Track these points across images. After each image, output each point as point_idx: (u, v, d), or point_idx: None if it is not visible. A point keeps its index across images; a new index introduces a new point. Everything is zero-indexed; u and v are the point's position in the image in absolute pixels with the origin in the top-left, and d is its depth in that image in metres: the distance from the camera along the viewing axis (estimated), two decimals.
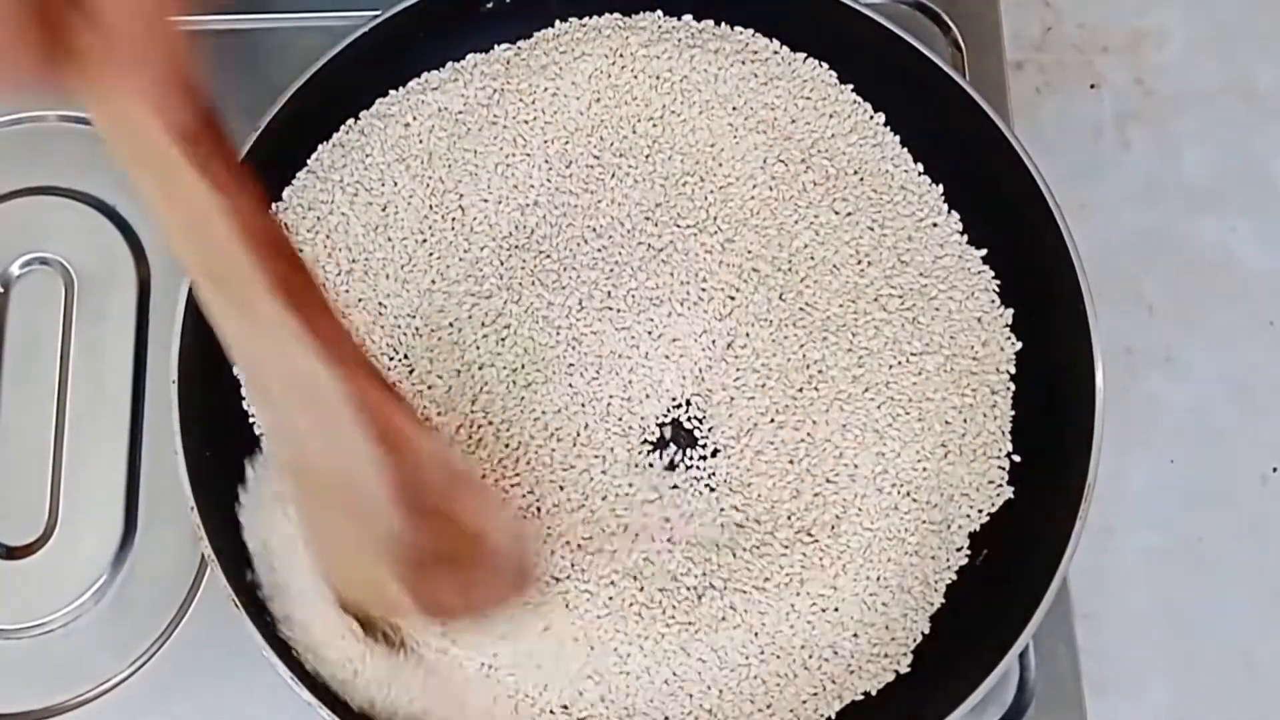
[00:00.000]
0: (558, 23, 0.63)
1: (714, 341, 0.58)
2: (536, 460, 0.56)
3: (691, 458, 0.57)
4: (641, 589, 0.54)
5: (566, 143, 0.62)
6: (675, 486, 0.56)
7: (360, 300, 0.59)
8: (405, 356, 0.58)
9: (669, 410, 0.58)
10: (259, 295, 0.42)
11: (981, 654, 0.52)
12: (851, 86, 0.63)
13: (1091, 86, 0.69)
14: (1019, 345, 0.59)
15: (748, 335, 0.58)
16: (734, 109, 0.61)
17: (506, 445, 0.57)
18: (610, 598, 0.54)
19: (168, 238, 0.43)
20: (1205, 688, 0.59)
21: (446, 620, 0.51)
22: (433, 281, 0.59)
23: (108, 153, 0.41)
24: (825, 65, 0.63)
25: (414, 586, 0.46)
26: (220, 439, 0.57)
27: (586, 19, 0.63)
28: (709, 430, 0.57)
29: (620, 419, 0.57)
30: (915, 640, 0.55)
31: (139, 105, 0.40)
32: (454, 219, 0.60)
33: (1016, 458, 0.58)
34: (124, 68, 0.39)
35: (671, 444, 0.57)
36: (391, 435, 0.43)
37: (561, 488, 0.56)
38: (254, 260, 0.41)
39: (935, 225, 0.61)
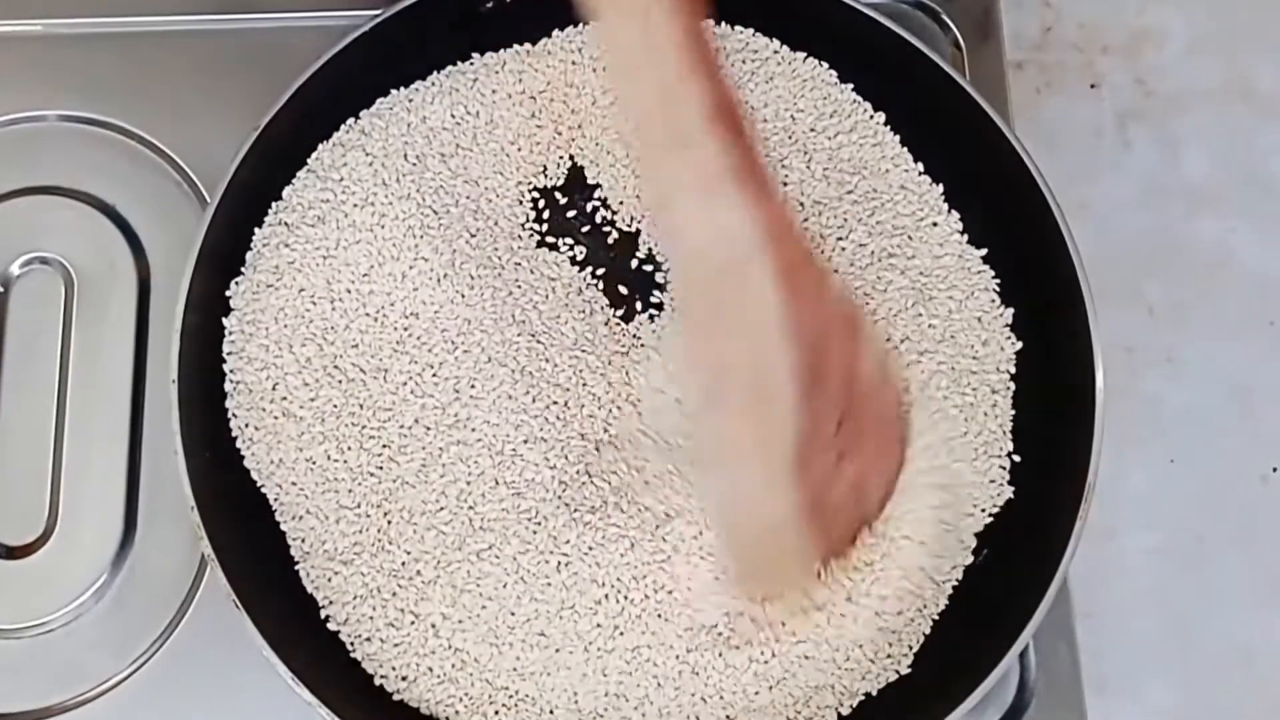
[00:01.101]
0: (561, 26, 0.63)
1: None
2: None
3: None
4: (646, 596, 0.55)
5: (568, 140, 0.62)
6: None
7: (364, 297, 0.59)
8: (410, 350, 0.58)
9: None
10: (708, 160, 0.46)
11: (981, 654, 0.52)
12: (852, 86, 0.63)
13: (1091, 86, 0.69)
14: (1019, 345, 0.59)
15: None
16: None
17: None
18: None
19: (626, 83, 0.48)
20: (1205, 688, 0.59)
21: (833, 540, 0.52)
22: (437, 279, 0.59)
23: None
24: (825, 65, 0.63)
25: (814, 507, 0.49)
26: (220, 439, 0.57)
27: (588, 20, 0.63)
28: None
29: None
30: (918, 641, 0.55)
31: None
32: (454, 218, 0.60)
33: (1016, 458, 0.58)
34: None
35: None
36: (794, 275, 0.46)
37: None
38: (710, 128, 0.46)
39: (935, 225, 0.61)
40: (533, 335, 0.58)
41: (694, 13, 0.46)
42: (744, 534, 0.51)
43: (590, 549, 0.55)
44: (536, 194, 0.61)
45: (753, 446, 0.49)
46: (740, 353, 0.48)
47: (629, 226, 0.61)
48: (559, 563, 0.55)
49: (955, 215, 0.61)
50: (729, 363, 0.48)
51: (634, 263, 0.61)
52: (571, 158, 0.62)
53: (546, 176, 0.62)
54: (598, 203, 0.61)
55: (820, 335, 0.48)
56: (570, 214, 0.61)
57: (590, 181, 0.62)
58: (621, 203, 0.61)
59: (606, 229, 0.61)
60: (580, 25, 0.63)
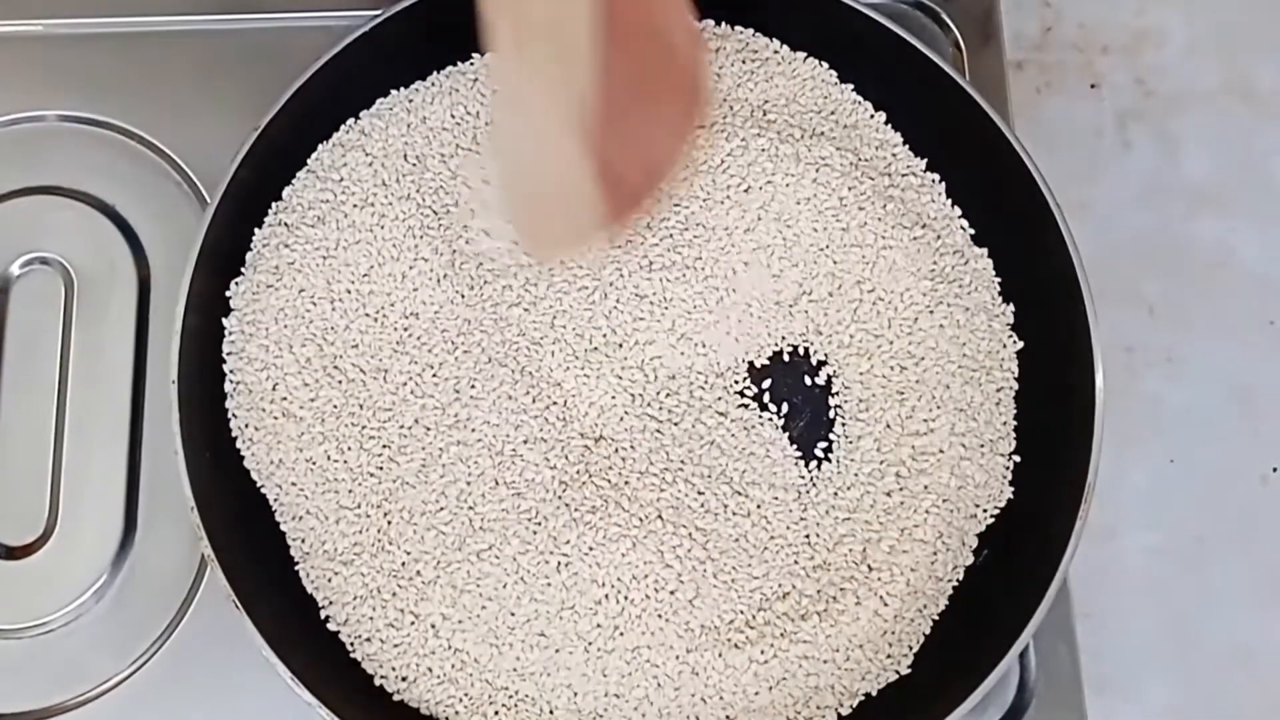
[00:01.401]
0: None
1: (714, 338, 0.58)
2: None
3: None
4: (647, 596, 0.55)
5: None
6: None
7: (364, 297, 0.59)
8: (410, 350, 0.58)
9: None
10: None
11: (981, 654, 0.52)
12: (852, 86, 0.63)
13: (1091, 86, 0.69)
14: (1020, 345, 0.59)
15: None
16: (732, 108, 0.61)
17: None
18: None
19: None
20: (1205, 687, 0.59)
21: (627, 199, 0.51)
22: (437, 279, 0.59)
23: None
24: (825, 65, 0.63)
25: (604, 161, 0.48)
26: (220, 439, 0.57)
27: None
28: None
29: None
30: (918, 641, 0.55)
31: None
32: (454, 218, 0.60)
33: (1017, 458, 0.58)
34: None
35: None
36: None
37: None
38: None
39: (937, 224, 0.60)
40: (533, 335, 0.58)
41: None
42: (533, 185, 0.51)
43: (590, 549, 0.55)
44: None
45: (547, 98, 0.48)
46: (539, 4, 0.48)
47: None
48: (559, 563, 0.55)
49: (958, 212, 0.61)
50: (528, 12, 0.48)
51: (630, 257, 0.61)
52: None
53: None
54: None
55: None
56: None
57: None
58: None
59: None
60: None
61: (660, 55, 0.50)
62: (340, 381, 0.58)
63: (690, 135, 0.53)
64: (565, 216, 0.51)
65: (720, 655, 0.54)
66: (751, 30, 0.63)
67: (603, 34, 0.47)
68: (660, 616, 0.54)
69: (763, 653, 0.54)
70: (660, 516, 0.56)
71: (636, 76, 0.48)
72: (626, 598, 0.54)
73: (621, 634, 0.54)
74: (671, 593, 0.55)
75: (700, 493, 0.56)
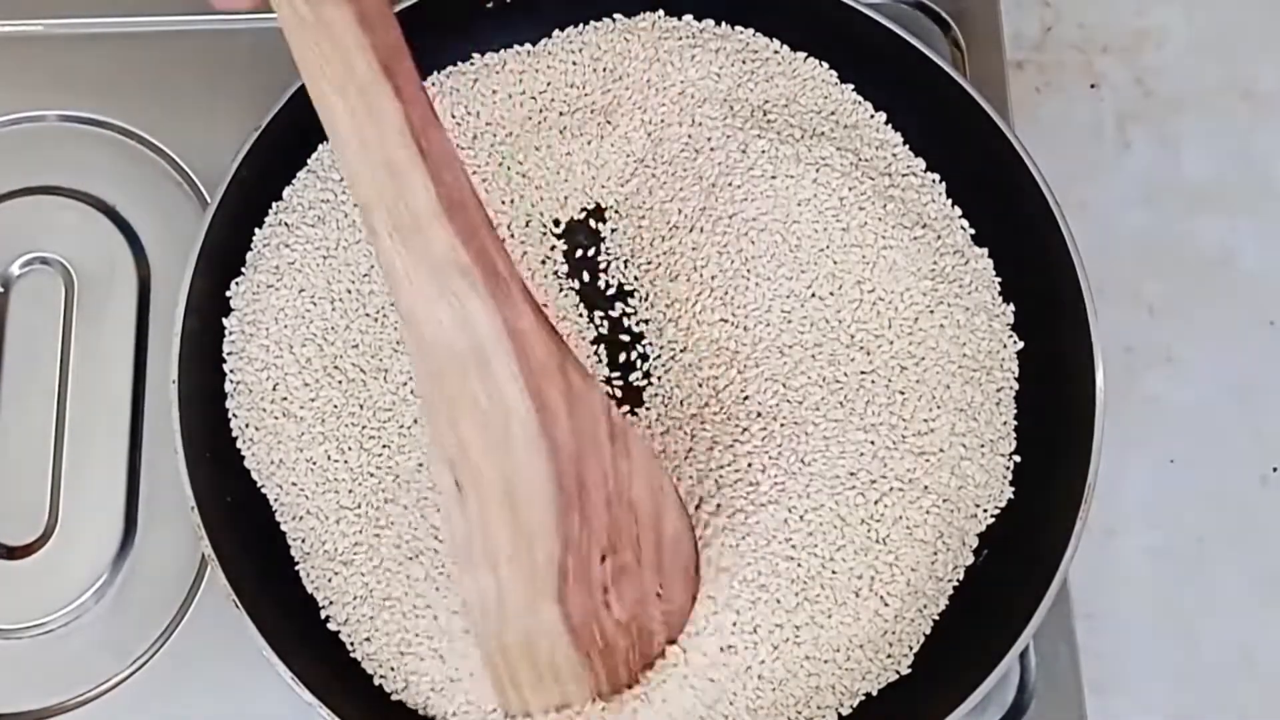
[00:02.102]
0: (571, 26, 0.63)
1: (713, 337, 0.58)
2: None
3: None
4: None
5: (570, 138, 0.62)
6: None
7: (364, 297, 0.59)
8: (400, 344, 0.58)
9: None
10: (441, 252, 0.44)
11: (981, 654, 0.52)
12: (852, 86, 0.63)
13: (1091, 86, 0.69)
14: (1020, 345, 0.59)
15: (740, 333, 0.58)
16: (733, 109, 0.61)
17: None
18: None
19: (346, 163, 0.44)
20: (1205, 688, 0.59)
21: (616, 685, 0.49)
22: None
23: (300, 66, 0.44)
24: (825, 65, 0.63)
25: (582, 631, 0.46)
26: (220, 439, 0.57)
27: (588, 21, 0.63)
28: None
29: None
30: (918, 641, 0.55)
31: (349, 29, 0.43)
32: None
33: (1017, 458, 0.58)
34: None
35: None
36: (544, 381, 0.45)
37: None
38: (426, 179, 0.43)
39: (937, 224, 0.60)
40: None
41: (408, 86, 0.44)
42: (504, 641, 0.48)
43: None
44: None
45: (510, 546, 0.46)
46: (485, 451, 0.46)
47: (622, 221, 0.61)
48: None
49: (958, 211, 0.61)
50: (475, 459, 0.46)
51: (629, 256, 0.61)
52: (568, 156, 0.62)
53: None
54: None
55: (574, 452, 0.46)
56: (569, 211, 0.61)
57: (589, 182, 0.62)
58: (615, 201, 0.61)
59: (600, 225, 0.61)
60: (580, 25, 0.63)
61: (643, 525, 0.48)
62: (340, 381, 0.57)
63: (685, 607, 0.51)
64: (545, 678, 0.48)
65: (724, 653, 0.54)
66: (751, 30, 0.63)
67: (565, 499, 0.45)
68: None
69: (765, 654, 0.54)
70: None
71: (614, 546, 0.47)
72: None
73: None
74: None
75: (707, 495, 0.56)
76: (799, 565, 0.55)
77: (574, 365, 0.46)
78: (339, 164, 0.46)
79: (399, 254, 0.44)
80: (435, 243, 0.44)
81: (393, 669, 0.54)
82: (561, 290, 0.60)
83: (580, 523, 0.46)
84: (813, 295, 0.59)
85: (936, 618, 0.56)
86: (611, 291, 0.60)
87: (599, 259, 0.61)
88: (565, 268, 0.60)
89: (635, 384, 0.58)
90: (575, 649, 0.48)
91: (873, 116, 0.62)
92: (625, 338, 0.59)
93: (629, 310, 0.60)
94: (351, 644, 0.55)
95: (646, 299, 0.60)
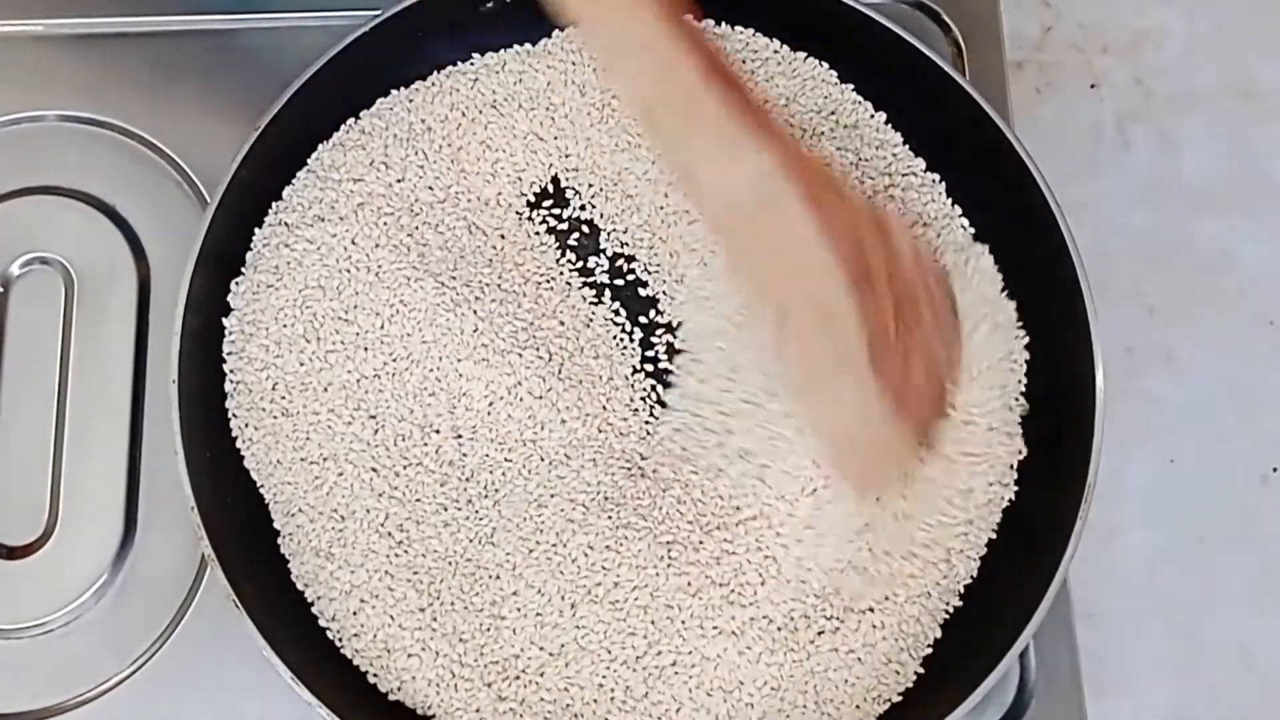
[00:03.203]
0: (561, 26, 0.63)
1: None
2: None
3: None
4: (643, 604, 0.55)
5: (570, 139, 0.62)
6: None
7: (365, 293, 0.59)
8: (421, 340, 0.58)
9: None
10: (712, 116, 0.49)
11: (981, 654, 0.52)
12: (852, 86, 0.63)
13: (1091, 86, 0.69)
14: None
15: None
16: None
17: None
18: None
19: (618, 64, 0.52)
20: (1205, 688, 0.59)
21: (926, 415, 0.54)
22: (440, 281, 0.59)
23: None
24: (825, 65, 0.63)
25: (900, 396, 0.51)
26: (220, 439, 0.57)
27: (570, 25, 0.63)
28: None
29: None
30: (928, 647, 0.55)
31: None
32: (453, 216, 0.60)
33: (1018, 457, 0.57)
34: None
35: None
36: (817, 192, 0.50)
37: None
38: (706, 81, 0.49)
39: (938, 223, 0.60)
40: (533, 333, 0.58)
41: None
42: (851, 443, 0.53)
43: (589, 550, 0.55)
44: (537, 193, 0.61)
45: (833, 361, 0.51)
46: (794, 280, 0.51)
47: (621, 218, 0.61)
48: (558, 564, 0.55)
49: (958, 211, 0.61)
50: (787, 293, 0.51)
51: (626, 252, 0.61)
52: (568, 156, 0.62)
53: (546, 175, 0.62)
54: (596, 199, 0.61)
55: (855, 240, 0.51)
56: (569, 212, 0.61)
57: (589, 182, 0.62)
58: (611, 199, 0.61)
59: (600, 223, 0.61)
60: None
61: (915, 290, 0.53)
62: (340, 382, 0.57)
63: (958, 336, 0.56)
64: (885, 456, 0.54)
65: (738, 667, 0.54)
66: (751, 30, 0.63)
67: (860, 291, 0.50)
68: (652, 623, 0.54)
69: (778, 669, 0.54)
70: (661, 534, 0.56)
71: (895, 309, 0.51)
72: (627, 604, 0.54)
73: (622, 645, 0.54)
74: (653, 595, 0.55)
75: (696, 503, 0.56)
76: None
77: (832, 180, 0.52)
78: (612, 71, 0.54)
79: (682, 136, 0.51)
80: (706, 108, 0.49)
81: (383, 666, 0.54)
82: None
83: (875, 301, 0.51)
84: None
85: (942, 623, 0.55)
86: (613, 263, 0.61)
87: (600, 239, 0.61)
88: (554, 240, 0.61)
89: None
90: (900, 420, 0.53)
91: (873, 116, 0.62)
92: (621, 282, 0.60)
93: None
94: (340, 641, 0.55)
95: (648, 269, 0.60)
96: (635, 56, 0.50)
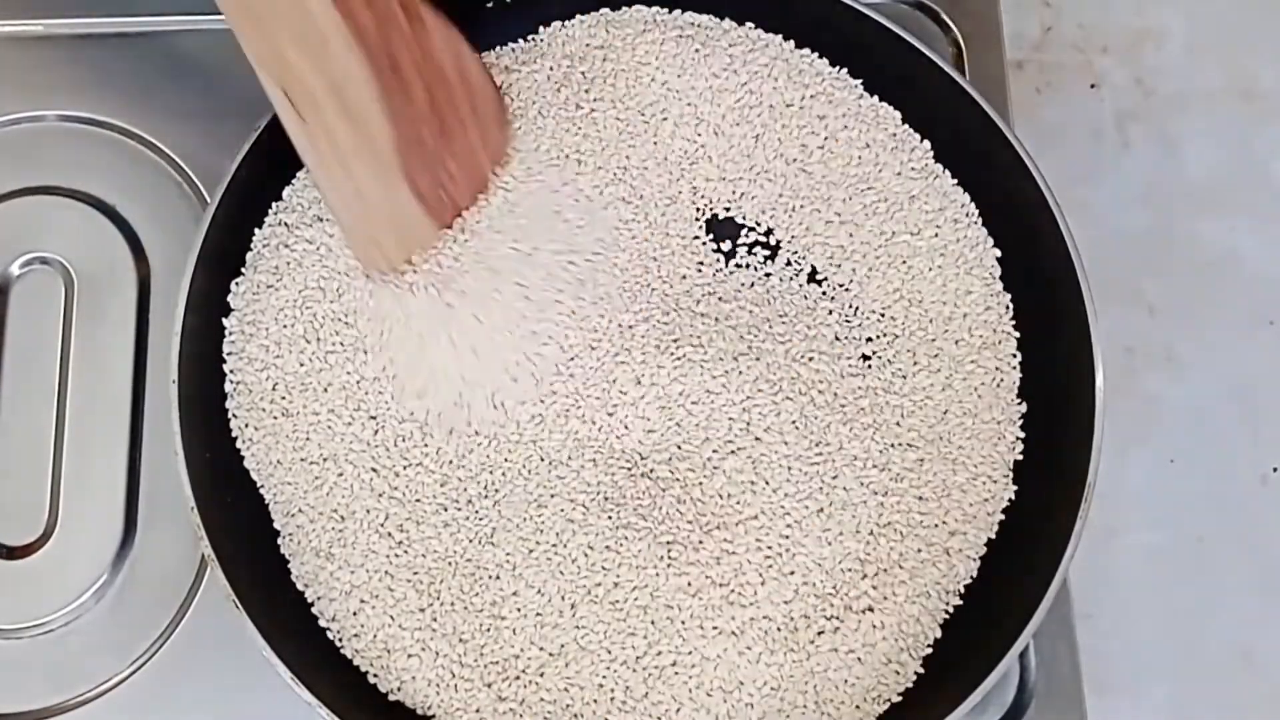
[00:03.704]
0: (559, 21, 0.63)
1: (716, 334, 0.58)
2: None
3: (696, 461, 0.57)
4: (644, 608, 0.55)
5: (568, 136, 0.62)
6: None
7: (362, 297, 0.59)
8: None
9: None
10: None
11: (981, 654, 0.52)
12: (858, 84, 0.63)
13: (1091, 86, 0.69)
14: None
15: (743, 333, 0.58)
16: (732, 106, 0.61)
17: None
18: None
19: None
20: (1205, 687, 0.59)
21: (456, 210, 0.56)
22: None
23: None
24: (826, 63, 0.63)
25: (428, 191, 0.53)
26: (220, 439, 0.57)
27: (586, 15, 0.63)
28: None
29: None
30: (924, 650, 0.55)
31: None
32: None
33: (1018, 458, 0.57)
34: None
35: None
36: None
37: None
38: None
39: (941, 221, 0.61)
40: None
41: None
42: (366, 223, 0.54)
43: (589, 550, 0.55)
44: None
45: (352, 143, 0.51)
46: (306, 60, 0.50)
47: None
48: (558, 564, 0.55)
49: (961, 206, 0.61)
50: (300, 73, 0.50)
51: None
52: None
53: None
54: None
55: (385, 44, 0.51)
56: None
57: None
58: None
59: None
60: (576, 18, 0.63)
61: (453, 86, 0.54)
62: (340, 383, 0.57)
63: (501, 144, 0.58)
64: (394, 234, 0.55)
65: (735, 674, 0.54)
66: (750, 24, 0.63)
67: (385, 84, 0.51)
68: (653, 624, 0.54)
69: (778, 669, 0.54)
70: (661, 537, 0.56)
71: (433, 109, 0.53)
72: (627, 604, 0.54)
73: (622, 645, 0.54)
74: (653, 595, 0.55)
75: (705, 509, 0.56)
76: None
77: None
78: None
79: None
80: None
81: (383, 667, 0.54)
82: None
83: (403, 102, 0.52)
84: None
85: (942, 623, 0.56)
86: None
87: None
88: None
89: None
90: (426, 213, 0.55)
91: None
92: None
93: None
94: (340, 641, 0.55)
95: None
96: None
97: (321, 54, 0.50)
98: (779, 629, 0.54)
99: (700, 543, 0.55)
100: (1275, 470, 0.63)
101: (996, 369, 0.58)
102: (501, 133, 0.58)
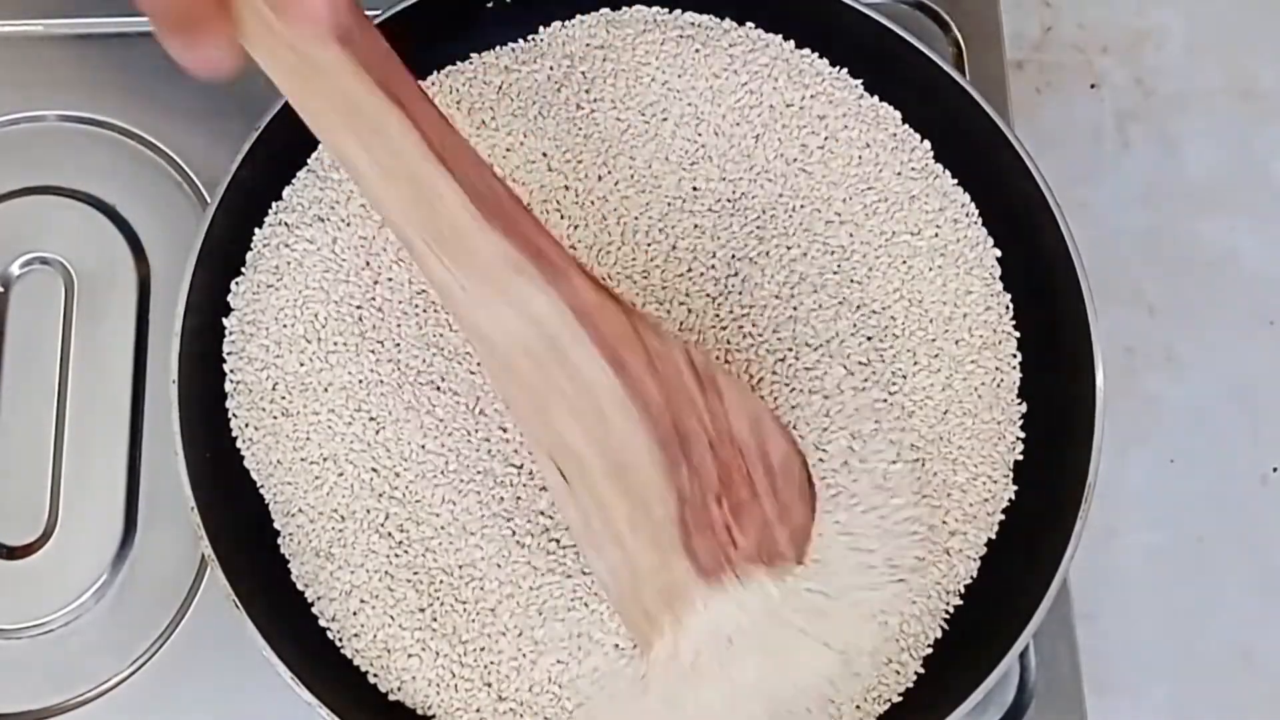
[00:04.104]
0: (559, 21, 0.63)
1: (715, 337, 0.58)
2: None
3: None
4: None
5: (568, 136, 0.62)
6: None
7: (362, 296, 0.59)
8: (398, 346, 0.58)
9: None
10: (489, 255, 0.44)
11: (981, 654, 0.52)
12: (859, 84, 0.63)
13: (1091, 86, 0.69)
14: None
15: (746, 331, 0.58)
16: (733, 106, 0.61)
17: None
18: None
19: (373, 195, 0.45)
20: (1205, 688, 0.59)
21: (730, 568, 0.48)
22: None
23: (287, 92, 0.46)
24: (825, 62, 0.63)
25: (698, 547, 0.46)
26: (220, 439, 0.57)
27: (585, 15, 0.63)
28: None
29: None
30: (928, 647, 0.55)
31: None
32: None
33: (1018, 457, 0.58)
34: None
35: None
36: (620, 347, 0.45)
37: None
38: (440, 170, 0.44)
39: (943, 223, 0.61)
40: None
41: (412, 99, 0.44)
42: (645, 607, 0.48)
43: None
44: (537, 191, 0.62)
45: (628, 517, 0.47)
46: (582, 433, 0.46)
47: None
48: (554, 567, 0.55)
49: (961, 206, 0.61)
50: (574, 445, 0.46)
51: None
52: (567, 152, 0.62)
53: (548, 171, 0.62)
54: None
55: (666, 408, 0.46)
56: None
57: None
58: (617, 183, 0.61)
59: None
60: (576, 18, 0.63)
61: (750, 458, 0.48)
62: (341, 382, 0.57)
63: (807, 525, 0.50)
64: (665, 601, 0.48)
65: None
66: (750, 24, 0.63)
67: (670, 457, 0.46)
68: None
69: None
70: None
71: (724, 481, 0.47)
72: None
73: (614, 642, 0.54)
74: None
75: None
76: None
77: (646, 327, 0.47)
78: (368, 199, 0.47)
79: (448, 269, 0.45)
80: (481, 247, 0.44)
81: (383, 667, 0.54)
82: None
83: (689, 474, 0.46)
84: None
85: (943, 623, 0.55)
86: None
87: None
88: None
89: None
90: (700, 577, 0.47)
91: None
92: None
93: None
94: (340, 641, 0.55)
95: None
96: (386, 168, 0.44)
97: (598, 424, 0.46)
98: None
99: None
100: (1275, 470, 0.63)
101: (996, 369, 0.58)
102: (805, 513, 0.50)
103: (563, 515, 0.50)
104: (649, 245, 0.60)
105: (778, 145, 0.61)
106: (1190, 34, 0.70)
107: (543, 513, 0.56)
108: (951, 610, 0.56)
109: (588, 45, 0.62)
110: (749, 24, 0.63)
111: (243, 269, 0.59)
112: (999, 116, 0.59)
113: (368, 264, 0.59)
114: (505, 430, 0.57)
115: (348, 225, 0.59)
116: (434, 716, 0.54)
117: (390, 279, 0.59)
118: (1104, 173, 0.67)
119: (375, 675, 0.55)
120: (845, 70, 0.62)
